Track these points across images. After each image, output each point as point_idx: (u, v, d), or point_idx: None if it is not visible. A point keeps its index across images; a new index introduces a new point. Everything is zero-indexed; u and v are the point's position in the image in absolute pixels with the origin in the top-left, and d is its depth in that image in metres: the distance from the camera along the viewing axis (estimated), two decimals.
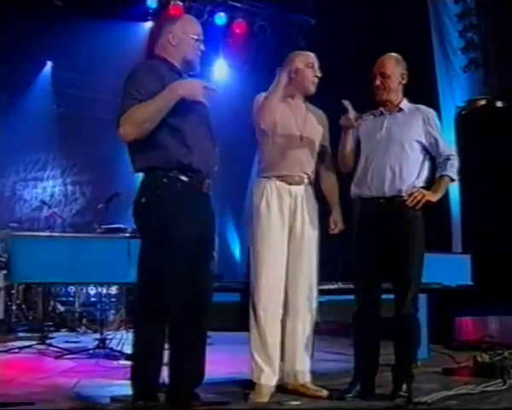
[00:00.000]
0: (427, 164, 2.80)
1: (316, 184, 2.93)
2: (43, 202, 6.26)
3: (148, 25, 7.11)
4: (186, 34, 2.30)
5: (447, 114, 5.25)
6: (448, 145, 2.82)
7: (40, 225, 6.81)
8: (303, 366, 2.77)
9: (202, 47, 2.36)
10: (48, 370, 3.35)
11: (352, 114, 2.70)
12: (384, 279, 2.77)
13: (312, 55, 2.92)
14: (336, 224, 2.86)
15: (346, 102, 2.70)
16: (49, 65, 7.48)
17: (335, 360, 3.76)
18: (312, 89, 2.87)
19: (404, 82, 2.80)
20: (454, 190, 5.12)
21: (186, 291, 2.16)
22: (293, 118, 2.83)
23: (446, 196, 5.10)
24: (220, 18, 6.89)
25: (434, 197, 2.72)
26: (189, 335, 2.20)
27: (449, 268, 3.83)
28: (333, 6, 6.36)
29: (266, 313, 2.66)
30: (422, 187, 2.74)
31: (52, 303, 5.79)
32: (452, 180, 2.78)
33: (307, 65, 2.83)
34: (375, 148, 2.77)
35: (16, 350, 3.98)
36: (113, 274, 2.28)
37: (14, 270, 2.59)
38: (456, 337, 4.56)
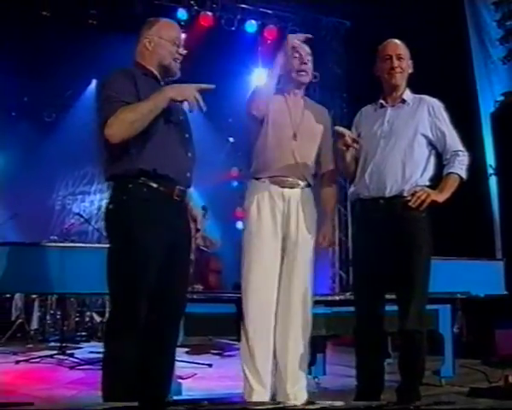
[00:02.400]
0: (432, 160, 2.55)
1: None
2: (79, 215, 6.39)
3: (182, 36, 7.18)
4: (162, 38, 2.23)
5: (486, 109, 4.87)
6: (457, 140, 2.54)
7: (88, 237, 7.00)
8: (296, 387, 2.53)
9: (182, 51, 2.27)
10: (54, 381, 3.37)
11: (348, 135, 2.48)
12: (387, 290, 2.54)
13: (296, 39, 2.53)
14: (325, 238, 2.62)
15: (340, 129, 2.51)
16: (93, 83, 7.75)
17: (354, 376, 3.48)
18: (300, 78, 2.59)
19: (410, 71, 2.59)
20: (494, 189, 4.72)
21: (154, 300, 2.05)
22: (288, 114, 2.59)
23: (488, 196, 4.72)
24: (251, 25, 6.80)
25: (440, 197, 2.46)
26: (156, 344, 2.08)
27: (478, 276, 3.48)
28: (366, 6, 6.13)
29: (254, 324, 2.49)
30: (427, 186, 2.49)
31: (89, 314, 5.93)
32: (461, 178, 2.51)
33: (292, 53, 2.54)
34: (376, 144, 2.54)
35: (37, 360, 4.04)
36: (100, 284, 2.20)
37: None
38: (499, 352, 4.16)
